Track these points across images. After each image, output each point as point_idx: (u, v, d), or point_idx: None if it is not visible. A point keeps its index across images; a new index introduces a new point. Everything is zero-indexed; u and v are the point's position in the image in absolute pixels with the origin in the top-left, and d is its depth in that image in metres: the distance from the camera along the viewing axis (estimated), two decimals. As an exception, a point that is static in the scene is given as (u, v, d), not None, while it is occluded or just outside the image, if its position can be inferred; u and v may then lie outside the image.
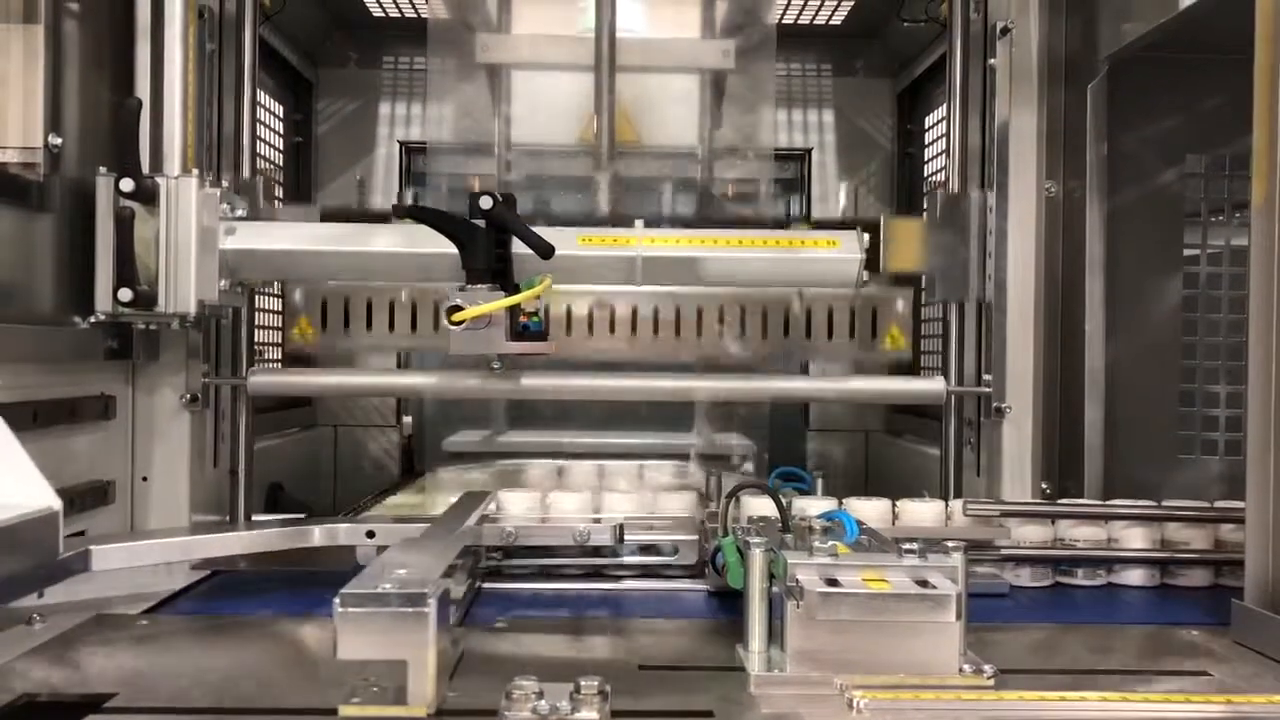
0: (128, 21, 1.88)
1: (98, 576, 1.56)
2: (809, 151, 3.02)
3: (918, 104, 2.95)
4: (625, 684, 1.14)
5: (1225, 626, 1.42)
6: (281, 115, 2.79)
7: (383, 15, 2.87)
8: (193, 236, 1.80)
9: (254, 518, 2.10)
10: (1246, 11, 1.40)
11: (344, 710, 1.04)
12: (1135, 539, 1.74)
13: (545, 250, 1.76)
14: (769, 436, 2.44)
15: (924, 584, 1.17)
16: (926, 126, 2.83)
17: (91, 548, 1.53)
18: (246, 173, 2.06)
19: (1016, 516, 1.75)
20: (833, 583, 1.17)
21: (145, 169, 1.79)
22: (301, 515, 2.20)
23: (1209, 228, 2.03)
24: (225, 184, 1.95)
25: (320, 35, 2.94)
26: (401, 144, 2.95)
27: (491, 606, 1.56)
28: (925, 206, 2.32)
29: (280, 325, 2.74)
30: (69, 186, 1.77)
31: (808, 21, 2.89)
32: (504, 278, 1.80)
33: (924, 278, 2.45)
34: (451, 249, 1.79)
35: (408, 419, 3.00)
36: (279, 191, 2.70)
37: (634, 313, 2.15)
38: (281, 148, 2.77)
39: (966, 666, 1.15)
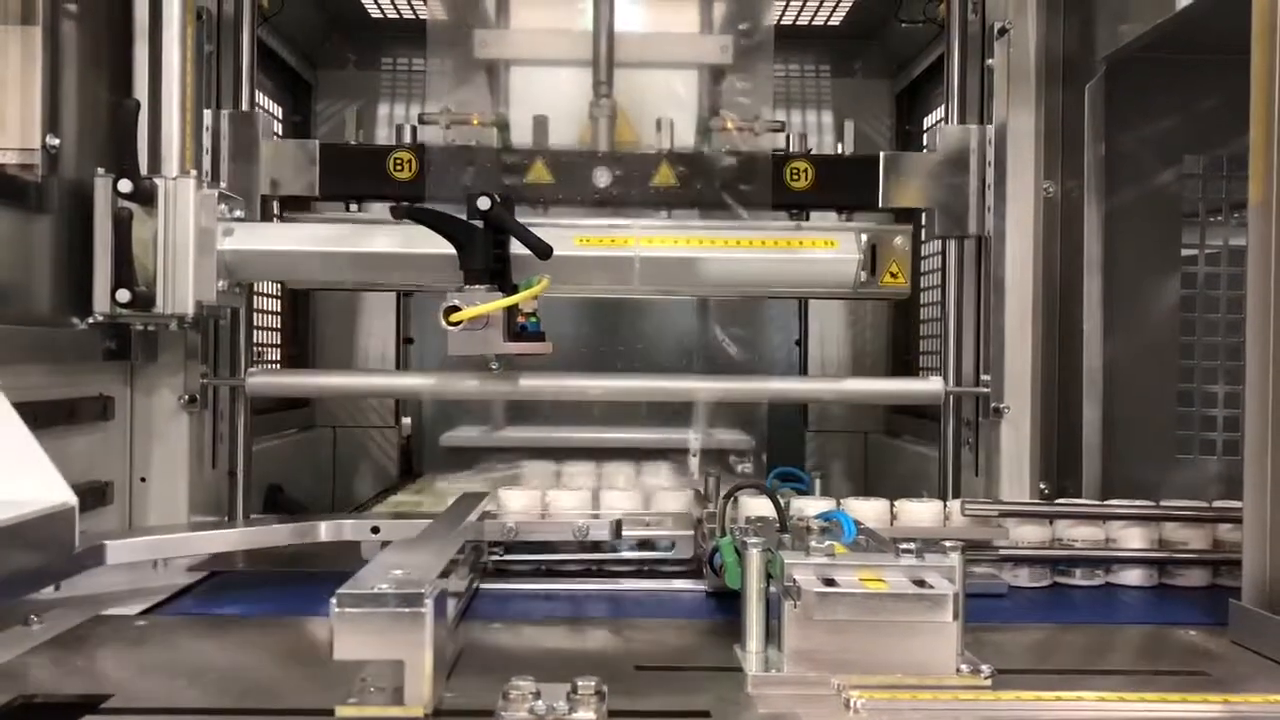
0: (125, 22, 1.88)
1: (96, 578, 1.57)
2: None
3: (916, 105, 2.95)
4: (622, 684, 1.14)
5: (1223, 626, 1.42)
6: (280, 117, 2.79)
7: (381, 16, 2.87)
8: (191, 237, 1.80)
9: (252, 519, 2.10)
10: (1243, 12, 1.40)
11: (340, 710, 1.04)
12: (1133, 539, 1.74)
13: (543, 251, 1.76)
14: (767, 436, 2.45)
15: (921, 584, 1.17)
16: (925, 128, 2.83)
17: (106, 543, 1.55)
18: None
19: (1014, 516, 1.75)
20: (830, 583, 1.17)
21: (143, 170, 1.80)
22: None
23: (1207, 228, 2.03)
24: (223, 185, 1.95)
25: (319, 37, 2.94)
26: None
27: (489, 606, 1.56)
28: (926, 144, 2.32)
29: (279, 326, 2.74)
30: (67, 187, 1.77)
31: (806, 22, 2.89)
32: (502, 278, 1.80)
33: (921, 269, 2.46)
34: (450, 250, 1.79)
35: (406, 420, 3.00)
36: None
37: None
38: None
39: (964, 666, 1.15)
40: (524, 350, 1.80)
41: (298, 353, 2.90)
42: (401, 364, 2.95)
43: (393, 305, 2.96)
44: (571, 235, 1.90)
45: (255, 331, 2.24)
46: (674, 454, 2.37)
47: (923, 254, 2.66)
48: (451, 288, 1.78)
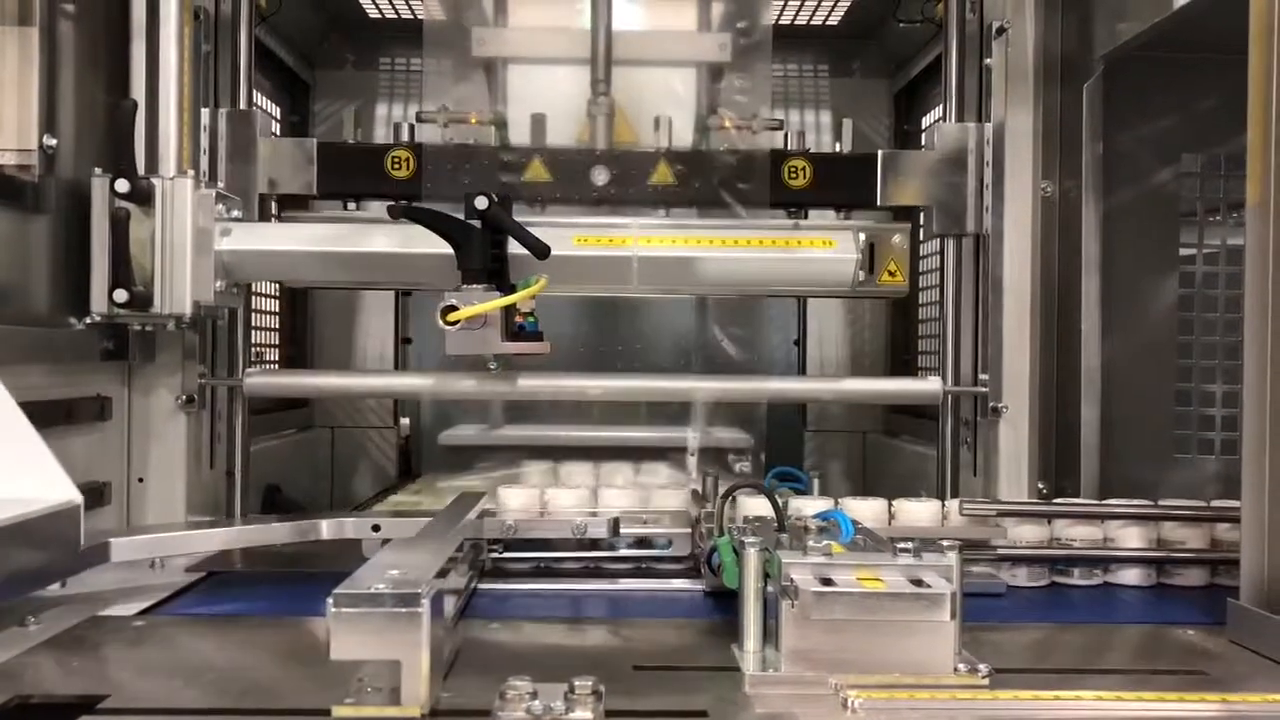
0: (123, 22, 1.88)
1: (94, 578, 1.56)
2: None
3: (914, 104, 2.95)
4: (620, 684, 1.14)
5: (1221, 626, 1.42)
6: (279, 117, 2.79)
7: (379, 16, 2.87)
8: (188, 237, 1.80)
9: (250, 519, 2.10)
10: (1241, 11, 1.40)
11: (337, 710, 1.04)
12: (1131, 539, 1.74)
13: (541, 250, 1.76)
14: (766, 436, 2.45)
15: (919, 583, 1.17)
16: (923, 127, 2.83)
17: (111, 540, 1.56)
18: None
19: (1013, 516, 1.75)
20: (827, 582, 1.17)
21: (141, 170, 1.80)
22: (298, 517, 2.20)
23: (1205, 227, 2.03)
24: (220, 184, 1.95)
25: (317, 37, 2.94)
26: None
27: (488, 605, 1.55)
28: (924, 143, 2.32)
29: (277, 326, 2.74)
30: (64, 187, 1.77)
31: (804, 22, 2.89)
32: (500, 278, 1.80)
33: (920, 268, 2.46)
34: (447, 249, 1.79)
35: (405, 420, 2.99)
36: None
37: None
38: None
39: (961, 666, 1.15)
40: (522, 350, 1.80)
41: (296, 353, 2.90)
42: (400, 364, 2.95)
43: (391, 305, 2.96)
44: (569, 234, 1.90)
45: (253, 331, 2.24)
46: (672, 453, 2.37)
47: (921, 254, 2.66)
48: (449, 287, 1.78)
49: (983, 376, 2.09)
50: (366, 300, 2.96)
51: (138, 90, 1.87)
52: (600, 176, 2.05)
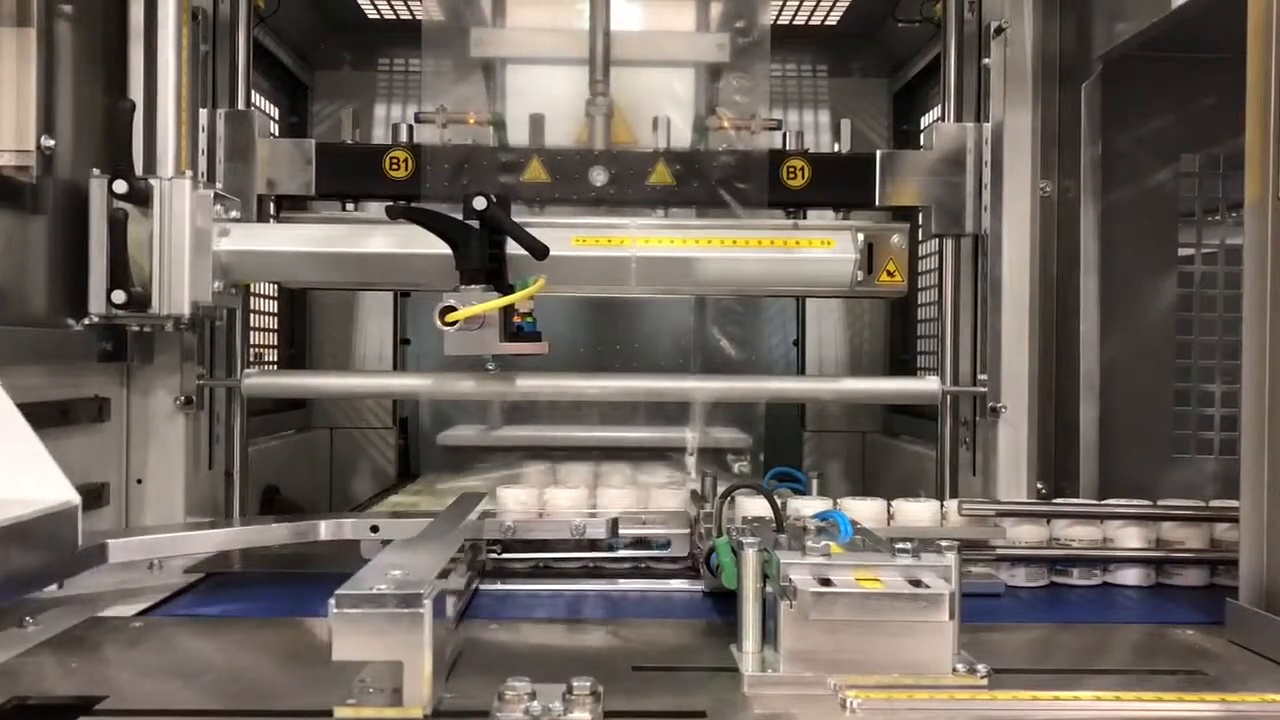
0: (121, 23, 1.88)
1: (93, 578, 1.56)
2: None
3: (913, 104, 2.95)
4: (618, 685, 1.14)
5: (1220, 626, 1.42)
6: (277, 118, 2.79)
7: (377, 17, 2.87)
8: (186, 238, 1.80)
9: (249, 520, 2.09)
10: (1239, 10, 1.40)
11: (339, 711, 1.04)
12: (1130, 539, 1.74)
13: (539, 251, 1.76)
14: (765, 436, 2.45)
15: (917, 584, 1.17)
16: (921, 127, 2.83)
17: (109, 541, 1.55)
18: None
19: (1012, 516, 1.75)
20: (826, 582, 1.17)
21: (139, 171, 1.79)
22: (297, 517, 2.20)
23: (1203, 227, 2.03)
24: (219, 185, 1.95)
25: (315, 38, 2.94)
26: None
27: (486, 605, 1.55)
28: (922, 143, 2.32)
29: (275, 326, 2.74)
30: (62, 188, 1.77)
31: (803, 22, 2.89)
32: (498, 278, 1.80)
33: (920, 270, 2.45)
34: (446, 250, 1.79)
35: (404, 419, 2.99)
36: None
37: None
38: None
39: (960, 666, 1.15)
40: (520, 350, 1.80)
41: (294, 353, 2.90)
42: (398, 365, 2.95)
43: (389, 306, 2.96)
44: (568, 235, 1.90)
45: (252, 332, 2.24)
46: (671, 453, 2.37)
47: (920, 254, 2.66)
48: (448, 288, 1.78)
49: (981, 376, 2.09)
50: (365, 301, 2.96)
51: (136, 91, 1.87)
52: (599, 177, 2.05)
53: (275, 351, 2.76)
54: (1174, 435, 2.02)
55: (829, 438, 3.05)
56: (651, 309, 2.87)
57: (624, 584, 1.70)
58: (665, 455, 2.43)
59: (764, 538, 1.30)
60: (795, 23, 2.88)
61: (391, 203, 1.84)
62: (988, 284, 2.09)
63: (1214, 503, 1.78)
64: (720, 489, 1.62)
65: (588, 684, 1.03)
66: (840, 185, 2.10)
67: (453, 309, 1.73)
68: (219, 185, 1.97)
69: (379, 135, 2.93)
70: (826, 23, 2.90)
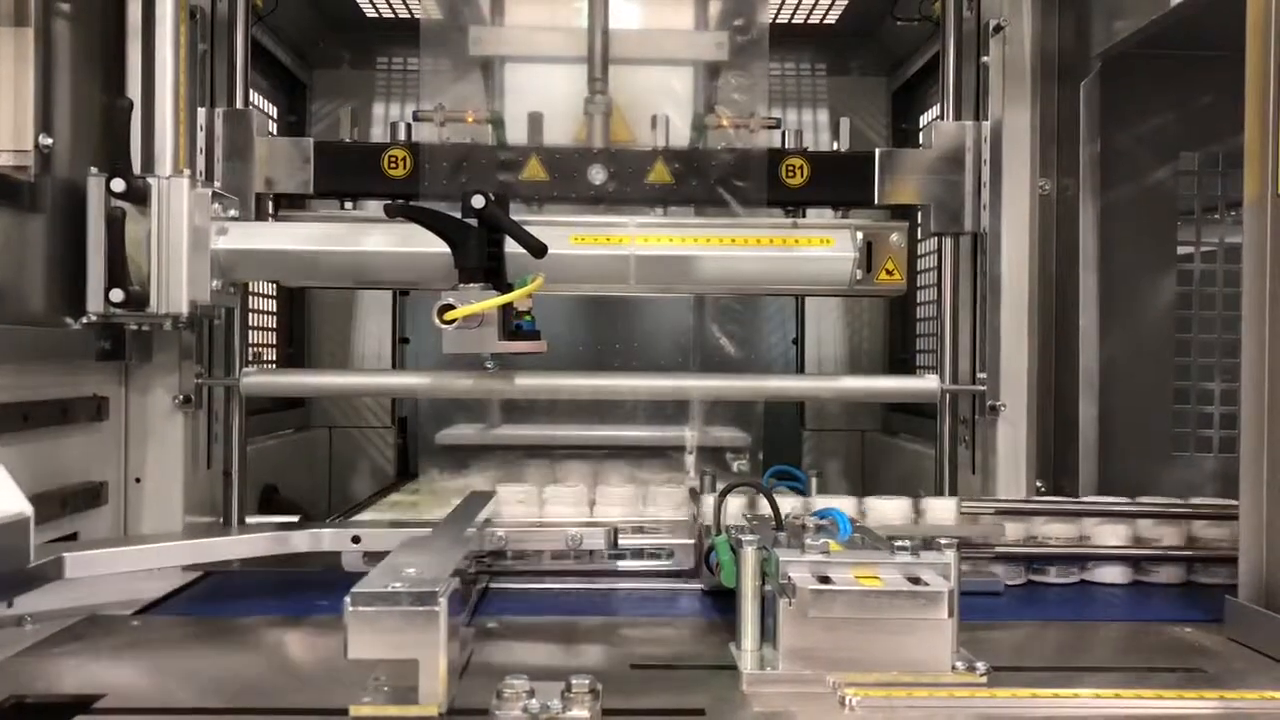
0: (119, 22, 1.87)
1: (92, 580, 1.56)
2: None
3: (912, 103, 2.95)
4: (617, 683, 1.14)
5: (1220, 623, 1.42)
6: (276, 117, 2.78)
7: (376, 15, 2.86)
8: (184, 237, 1.79)
9: (247, 519, 2.09)
10: (1237, 9, 1.40)
11: (355, 710, 1.04)
12: (1108, 536, 1.73)
13: (538, 249, 1.76)
14: (764, 435, 2.44)
15: (916, 581, 1.17)
16: (920, 126, 2.83)
17: (65, 555, 1.46)
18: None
19: (1010, 515, 1.74)
20: (825, 580, 1.17)
21: (137, 169, 1.79)
22: (295, 518, 2.20)
23: (1203, 225, 2.03)
24: (217, 184, 1.95)
25: (314, 36, 2.93)
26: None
27: (485, 604, 1.55)
28: (921, 142, 2.32)
29: (274, 325, 2.74)
30: (60, 187, 1.77)
31: (802, 21, 2.89)
32: (497, 277, 1.80)
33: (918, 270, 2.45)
34: (444, 248, 1.78)
35: (403, 418, 2.99)
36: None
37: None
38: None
39: (959, 664, 1.15)
40: (519, 349, 1.80)
41: (293, 352, 2.90)
42: (397, 363, 2.95)
43: (388, 304, 2.96)
44: (566, 233, 1.90)
45: (250, 331, 2.24)
46: (670, 452, 2.37)
47: (919, 252, 2.66)
48: (446, 286, 1.78)
49: (981, 375, 2.09)
50: (364, 300, 2.95)
51: (134, 90, 1.87)
52: (597, 175, 2.05)
53: (274, 350, 2.76)
54: (1173, 433, 2.02)
55: (828, 436, 3.04)
56: (650, 308, 2.86)
57: (623, 582, 1.70)
58: (664, 454, 2.43)
59: (763, 536, 1.30)
60: (794, 21, 2.88)
61: (390, 201, 1.83)
62: (987, 282, 2.09)
63: (1216, 500, 1.78)
64: (719, 487, 1.61)
65: (586, 682, 1.03)
66: (839, 184, 2.10)
67: (451, 307, 1.73)
68: (217, 184, 1.97)
69: (377, 134, 2.92)
70: (825, 21, 2.90)
